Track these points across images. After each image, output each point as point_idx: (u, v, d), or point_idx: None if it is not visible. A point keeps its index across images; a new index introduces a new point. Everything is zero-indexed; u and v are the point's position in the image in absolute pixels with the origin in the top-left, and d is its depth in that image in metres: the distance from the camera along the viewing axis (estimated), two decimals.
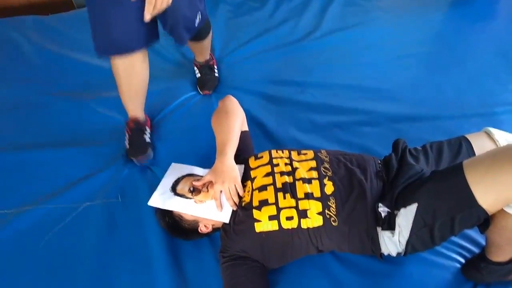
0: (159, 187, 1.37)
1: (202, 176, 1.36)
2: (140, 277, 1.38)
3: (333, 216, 1.21)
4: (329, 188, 1.24)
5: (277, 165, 1.33)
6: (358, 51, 2.29)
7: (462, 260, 1.34)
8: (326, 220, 1.20)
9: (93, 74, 2.18)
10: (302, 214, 1.21)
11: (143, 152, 1.71)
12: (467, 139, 1.36)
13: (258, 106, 1.95)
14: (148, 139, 1.78)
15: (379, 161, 1.35)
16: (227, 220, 1.27)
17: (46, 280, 1.39)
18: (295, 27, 2.48)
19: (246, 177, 1.35)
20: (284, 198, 1.24)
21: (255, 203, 1.25)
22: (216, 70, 2.15)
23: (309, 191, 1.24)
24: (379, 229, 1.21)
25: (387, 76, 2.09)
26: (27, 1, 2.96)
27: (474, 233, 1.40)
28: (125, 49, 1.54)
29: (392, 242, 1.20)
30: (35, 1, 2.97)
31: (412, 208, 1.13)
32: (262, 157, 1.38)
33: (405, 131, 1.78)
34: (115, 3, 1.41)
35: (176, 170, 1.43)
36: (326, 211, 1.21)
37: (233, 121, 1.43)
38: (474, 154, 1.32)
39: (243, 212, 1.26)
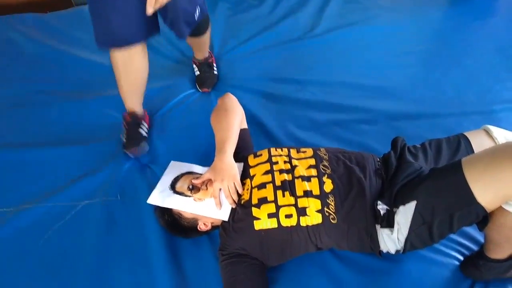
0: (158, 185, 1.37)
1: (201, 174, 1.36)
2: (139, 275, 1.38)
3: (332, 214, 1.21)
4: (328, 186, 1.24)
5: (276, 163, 1.33)
6: (358, 49, 2.29)
7: (461, 258, 1.35)
8: (325, 218, 1.21)
9: (93, 72, 2.18)
10: (301, 212, 1.21)
11: (136, 144, 1.70)
12: (466, 136, 1.36)
13: (257, 104, 1.95)
14: (144, 133, 1.78)
15: (378, 159, 1.35)
16: (226, 218, 1.27)
17: (45, 278, 1.39)
18: (294, 25, 2.48)
19: (245, 175, 1.35)
20: (283, 196, 1.24)
21: (254, 201, 1.25)
22: (215, 68, 2.15)
23: (308, 189, 1.24)
24: (378, 226, 1.21)
25: (386, 74, 2.09)
26: None
27: (472, 230, 1.40)
28: (124, 42, 1.54)
29: (391, 240, 1.20)
30: None
31: (411, 206, 1.13)
32: (261, 155, 1.38)
33: (404, 129, 1.78)
34: None
35: (175, 168, 1.43)
36: (325, 209, 1.21)
37: (232, 119, 1.43)
38: (472, 151, 1.33)
39: (242, 210, 1.26)
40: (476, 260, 1.27)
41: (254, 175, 1.32)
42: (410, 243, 1.17)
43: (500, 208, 1.06)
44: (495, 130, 1.32)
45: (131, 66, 1.64)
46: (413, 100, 1.93)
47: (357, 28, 2.42)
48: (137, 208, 1.54)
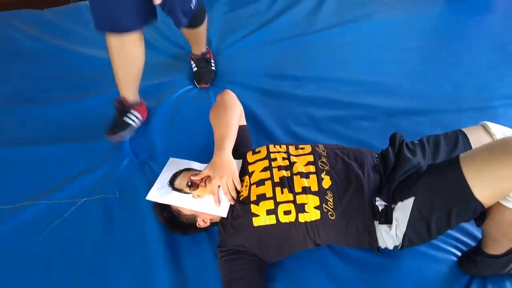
0: (157, 182, 1.37)
1: (200, 171, 1.36)
2: (138, 271, 1.38)
3: (331, 210, 1.21)
4: (327, 182, 1.25)
5: (275, 159, 1.33)
6: (356, 45, 2.29)
7: (459, 254, 1.35)
8: (323, 214, 1.21)
9: (92, 68, 2.18)
10: (300, 208, 1.22)
11: (115, 132, 1.73)
12: (464, 133, 1.37)
13: (255, 100, 1.95)
14: (130, 122, 1.78)
15: (376, 155, 1.36)
16: (225, 215, 1.28)
17: (44, 276, 1.39)
18: (292, 21, 2.47)
19: (244, 172, 1.35)
20: (282, 192, 1.24)
21: (253, 197, 1.26)
22: (213, 64, 2.15)
23: (307, 185, 1.24)
24: (376, 222, 1.22)
25: (385, 70, 2.09)
26: None
27: (470, 226, 1.41)
28: (121, 28, 1.55)
29: (389, 236, 1.20)
30: None
31: (409, 202, 1.13)
32: (259, 151, 1.38)
33: (402, 125, 1.78)
34: None
35: (174, 165, 1.44)
36: (324, 205, 1.21)
37: (231, 116, 1.43)
38: (470, 147, 1.33)
39: (241, 207, 1.26)
40: (474, 256, 1.27)
41: (252, 172, 1.33)
42: (408, 239, 1.18)
43: (498, 204, 1.07)
44: (493, 126, 1.32)
45: (126, 54, 1.65)
46: (411, 96, 1.93)
47: (355, 24, 2.41)
48: (136, 205, 1.54)
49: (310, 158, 1.31)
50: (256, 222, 1.23)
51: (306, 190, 1.23)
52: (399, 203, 1.17)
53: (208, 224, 1.34)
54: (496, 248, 1.21)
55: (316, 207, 1.21)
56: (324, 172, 1.27)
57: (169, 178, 1.38)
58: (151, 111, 1.93)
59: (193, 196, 1.31)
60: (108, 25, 1.56)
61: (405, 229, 1.15)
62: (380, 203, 1.21)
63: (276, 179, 1.27)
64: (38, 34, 2.43)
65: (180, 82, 2.10)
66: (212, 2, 2.62)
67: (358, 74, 2.07)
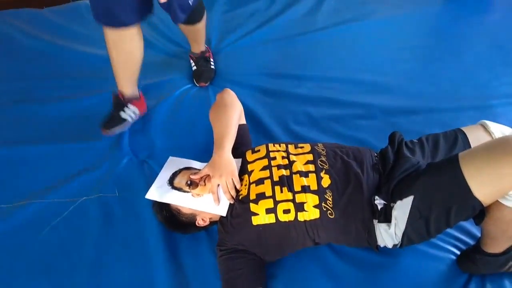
0: (156, 181, 1.37)
1: (199, 170, 1.36)
2: (137, 270, 1.38)
3: (330, 209, 1.21)
4: (326, 181, 1.25)
5: (274, 158, 1.33)
6: (355, 44, 2.29)
7: (458, 252, 1.35)
8: (322, 213, 1.21)
9: (91, 67, 2.17)
10: (299, 207, 1.22)
11: (109, 127, 1.76)
12: (463, 131, 1.37)
13: (255, 99, 1.95)
14: (125, 116, 1.79)
15: (376, 154, 1.36)
16: (224, 214, 1.28)
17: (43, 274, 1.39)
18: (291, 20, 2.47)
19: (243, 171, 1.35)
20: (281, 191, 1.24)
21: (252, 196, 1.26)
22: (212, 62, 2.15)
23: (306, 184, 1.24)
24: (375, 221, 1.22)
25: (384, 69, 2.09)
26: None
27: (469, 225, 1.41)
28: (116, 22, 1.56)
29: (388, 234, 1.20)
30: None
31: (408, 201, 1.14)
32: (259, 150, 1.38)
33: (401, 124, 1.78)
34: None
35: (173, 164, 1.44)
36: (323, 204, 1.21)
37: (231, 115, 1.43)
38: (469, 146, 1.33)
39: (240, 206, 1.27)
40: (472, 255, 1.27)
41: (252, 171, 1.33)
42: (407, 238, 1.18)
43: (497, 202, 1.07)
44: (492, 125, 1.32)
45: (123, 48, 1.66)
46: (410, 95, 1.94)
47: (354, 23, 2.41)
48: (135, 203, 1.54)
49: (310, 157, 1.32)
50: (256, 221, 1.23)
51: (305, 189, 1.23)
52: (398, 202, 1.17)
53: (207, 223, 1.34)
54: (495, 247, 1.22)
55: (315, 206, 1.21)
56: (324, 171, 1.27)
57: (168, 177, 1.38)
58: (150, 110, 1.93)
59: (192, 195, 1.31)
60: (105, 19, 1.58)
61: (404, 228, 1.16)
62: (379, 202, 1.21)
63: (276, 178, 1.27)
64: (38, 33, 2.42)
65: (179, 80, 2.10)
66: (211, 1, 2.62)
67: (357, 73, 2.08)
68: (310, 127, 1.81)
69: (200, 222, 1.33)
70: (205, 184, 1.31)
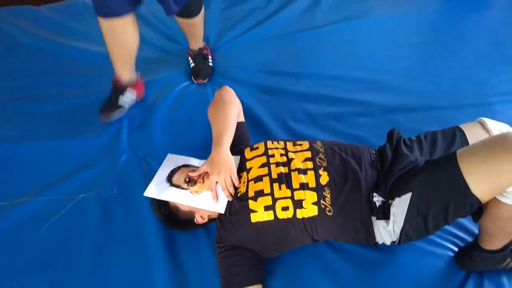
0: (155, 178, 1.37)
1: (198, 167, 1.36)
2: (136, 268, 1.38)
3: (328, 206, 1.21)
4: (324, 178, 1.25)
5: (273, 155, 1.33)
6: (353, 42, 2.29)
7: (456, 249, 1.36)
8: (321, 210, 1.21)
9: (89, 64, 2.17)
10: (298, 204, 1.22)
11: (107, 111, 1.83)
12: (461, 129, 1.37)
13: (253, 96, 1.95)
14: (122, 102, 1.84)
15: (374, 151, 1.36)
16: (222, 211, 1.28)
17: (42, 272, 1.39)
18: (290, 17, 2.47)
19: (241, 168, 1.35)
20: (280, 188, 1.25)
21: (251, 193, 1.26)
22: (210, 60, 2.15)
23: (305, 181, 1.24)
24: (373, 218, 1.22)
25: (382, 67, 2.09)
26: None
27: (467, 222, 1.42)
28: (108, 12, 1.62)
29: (386, 231, 1.21)
30: None
31: (407, 198, 1.14)
32: (257, 148, 1.38)
33: (399, 121, 1.78)
34: None
35: (172, 161, 1.44)
36: (321, 201, 1.21)
37: (229, 112, 1.43)
38: (467, 144, 1.33)
39: (239, 203, 1.27)
40: (470, 251, 1.28)
41: (250, 168, 1.33)
42: (405, 235, 1.18)
43: (495, 199, 1.07)
44: (490, 122, 1.32)
45: (117, 37, 1.71)
46: (408, 92, 1.94)
47: (353, 21, 2.41)
48: (134, 201, 1.54)
49: (308, 154, 1.32)
50: (254, 218, 1.23)
51: (304, 186, 1.23)
52: (397, 199, 1.17)
53: (206, 220, 1.34)
54: (492, 243, 1.22)
55: (313, 203, 1.21)
56: (322, 168, 1.27)
57: (167, 174, 1.38)
58: (148, 107, 1.93)
59: (191, 192, 1.31)
60: (97, 9, 1.63)
61: (402, 225, 1.16)
62: (377, 199, 1.22)
63: (274, 175, 1.28)
64: (36, 30, 2.41)
65: (178, 78, 2.09)
66: None
67: (356, 70, 2.07)
68: (308, 124, 1.81)
69: (198, 219, 1.33)
70: (203, 182, 1.31)
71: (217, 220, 1.33)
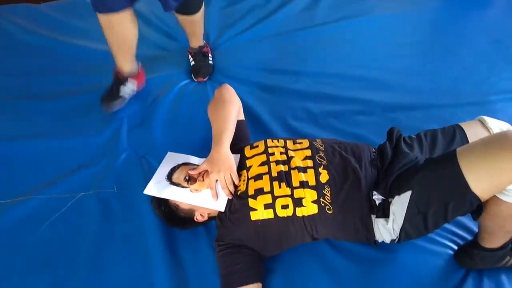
0: (154, 176, 1.37)
1: (197, 165, 1.36)
2: (136, 266, 1.38)
3: (328, 204, 1.21)
4: (324, 176, 1.25)
5: (273, 154, 1.33)
6: (353, 40, 2.28)
7: (455, 247, 1.36)
8: (321, 208, 1.21)
9: (90, 62, 2.17)
10: (297, 202, 1.22)
11: (109, 101, 1.87)
12: (461, 127, 1.37)
13: (253, 94, 1.95)
14: (122, 93, 1.87)
15: (374, 150, 1.36)
16: (222, 209, 1.28)
17: (41, 270, 1.40)
18: (290, 16, 2.46)
19: (241, 166, 1.35)
20: (280, 186, 1.25)
21: (251, 192, 1.26)
22: (210, 58, 2.14)
23: (304, 179, 1.24)
24: (373, 216, 1.22)
25: (382, 65, 2.09)
26: None
27: (467, 220, 1.42)
28: (104, 8, 1.64)
29: (386, 230, 1.21)
30: None
31: (406, 196, 1.14)
32: (257, 146, 1.38)
33: (399, 119, 1.78)
34: None
35: (171, 159, 1.43)
36: (321, 199, 1.21)
37: (229, 110, 1.43)
38: (467, 142, 1.33)
39: (239, 201, 1.27)
40: (470, 250, 1.28)
41: (250, 166, 1.33)
42: (405, 233, 1.18)
43: (495, 197, 1.07)
44: (490, 121, 1.32)
45: (116, 32, 1.73)
46: (409, 91, 1.94)
47: (353, 19, 2.40)
48: (134, 199, 1.54)
49: (308, 152, 1.32)
50: (254, 216, 1.23)
51: (303, 184, 1.23)
52: (396, 197, 1.17)
53: (206, 218, 1.34)
54: (492, 242, 1.22)
55: (313, 201, 1.21)
56: (322, 167, 1.27)
57: (167, 173, 1.38)
58: (148, 106, 1.93)
59: (190, 190, 1.31)
60: (94, 5, 1.64)
61: (402, 223, 1.16)
62: (377, 197, 1.22)
63: (274, 174, 1.28)
64: (36, 28, 2.41)
65: (178, 76, 2.09)
66: None
67: (355, 69, 2.07)
68: (308, 122, 1.81)
69: (198, 218, 1.33)
70: (203, 180, 1.31)
71: (217, 218, 1.34)
